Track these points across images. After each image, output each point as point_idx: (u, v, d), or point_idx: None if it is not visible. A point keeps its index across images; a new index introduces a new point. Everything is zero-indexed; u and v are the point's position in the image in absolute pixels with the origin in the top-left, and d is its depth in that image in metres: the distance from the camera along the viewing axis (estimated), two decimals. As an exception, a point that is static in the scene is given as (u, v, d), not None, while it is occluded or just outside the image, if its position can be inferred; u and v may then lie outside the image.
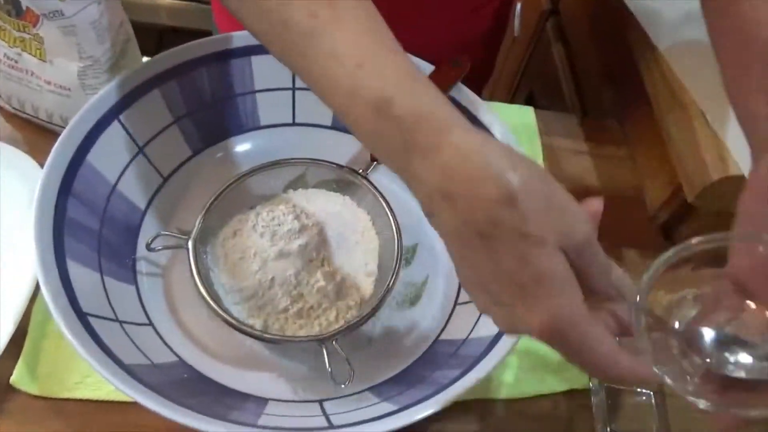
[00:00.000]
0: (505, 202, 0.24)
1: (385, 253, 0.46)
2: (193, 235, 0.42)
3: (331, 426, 0.35)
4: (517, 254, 0.25)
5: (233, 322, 0.39)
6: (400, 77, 0.26)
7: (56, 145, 0.40)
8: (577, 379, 0.45)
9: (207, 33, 0.54)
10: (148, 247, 0.42)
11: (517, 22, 1.05)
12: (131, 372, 0.34)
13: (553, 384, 0.45)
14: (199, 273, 0.41)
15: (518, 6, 1.07)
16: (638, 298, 0.28)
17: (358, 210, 0.48)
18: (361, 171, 0.47)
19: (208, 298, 0.40)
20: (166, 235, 0.43)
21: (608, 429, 0.43)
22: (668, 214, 0.55)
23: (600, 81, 0.72)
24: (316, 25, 0.27)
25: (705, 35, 0.51)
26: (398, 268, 0.43)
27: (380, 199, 0.46)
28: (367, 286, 0.45)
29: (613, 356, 0.26)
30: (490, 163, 0.25)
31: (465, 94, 0.48)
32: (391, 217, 0.45)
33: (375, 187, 0.46)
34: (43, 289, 0.34)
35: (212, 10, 0.68)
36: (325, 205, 0.47)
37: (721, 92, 0.50)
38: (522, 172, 0.25)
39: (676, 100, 0.51)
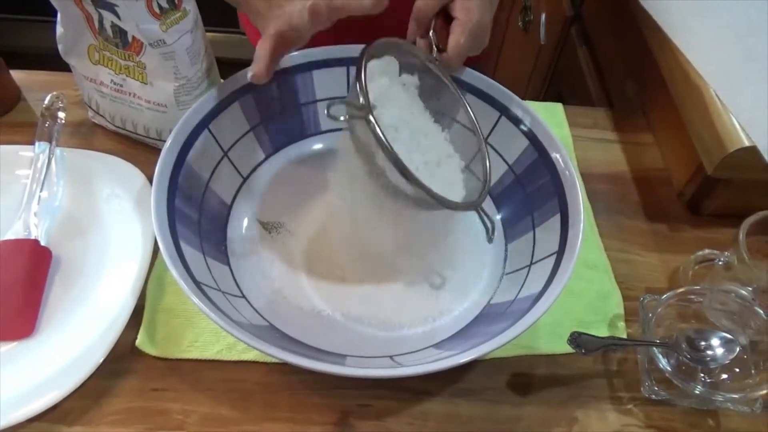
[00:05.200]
0: None
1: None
2: (369, 108, 0.41)
3: (401, 367, 0.41)
4: None
5: (431, 190, 0.41)
6: None
7: (164, 149, 0.48)
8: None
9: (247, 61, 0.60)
10: (329, 114, 0.41)
11: (542, 30, 1.12)
12: (242, 326, 0.41)
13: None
14: (386, 141, 0.40)
15: (543, 16, 1.14)
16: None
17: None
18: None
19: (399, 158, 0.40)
20: (343, 103, 0.42)
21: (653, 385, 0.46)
22: (693, 191, 0.61)
23: (623, 77, 0.78)
24: None
25: (712, 24, 0.57)
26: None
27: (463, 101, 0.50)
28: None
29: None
30: None
31: (500, 90, 0.55)
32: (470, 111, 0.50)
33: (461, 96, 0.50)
34: (169, 264, 0.41)
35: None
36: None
37: (731, 73, 0.55)
38: None
39: (691, 84, 0.56)
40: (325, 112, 0.41)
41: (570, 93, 0.98)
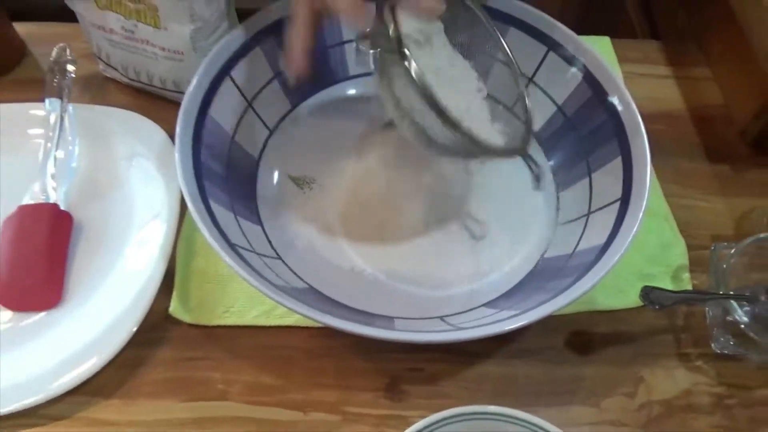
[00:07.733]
0: None
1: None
2: (401, 40, 0.36)
3: (462, 329, 0.38)
4: None
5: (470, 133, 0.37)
6: None
7: (186, 98, 0.43)
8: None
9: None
10: (358, 49, 0.40)
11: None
12: (282, 290, 0.38)
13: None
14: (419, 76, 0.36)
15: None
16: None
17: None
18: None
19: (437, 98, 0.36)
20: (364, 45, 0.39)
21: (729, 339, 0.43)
22: (759, 128, 0.55)
23: (674, 5, 0.71)
24: None
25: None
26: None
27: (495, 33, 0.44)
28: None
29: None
30: None
31: (543, 20, 0.49)
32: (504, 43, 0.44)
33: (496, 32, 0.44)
34: (200, 227, 0.38)
35: None
36: None
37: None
38: None
39: (763, 6, 0.50)
40: (354, 46, 0.37)
41: (608, 28, 0.91)
